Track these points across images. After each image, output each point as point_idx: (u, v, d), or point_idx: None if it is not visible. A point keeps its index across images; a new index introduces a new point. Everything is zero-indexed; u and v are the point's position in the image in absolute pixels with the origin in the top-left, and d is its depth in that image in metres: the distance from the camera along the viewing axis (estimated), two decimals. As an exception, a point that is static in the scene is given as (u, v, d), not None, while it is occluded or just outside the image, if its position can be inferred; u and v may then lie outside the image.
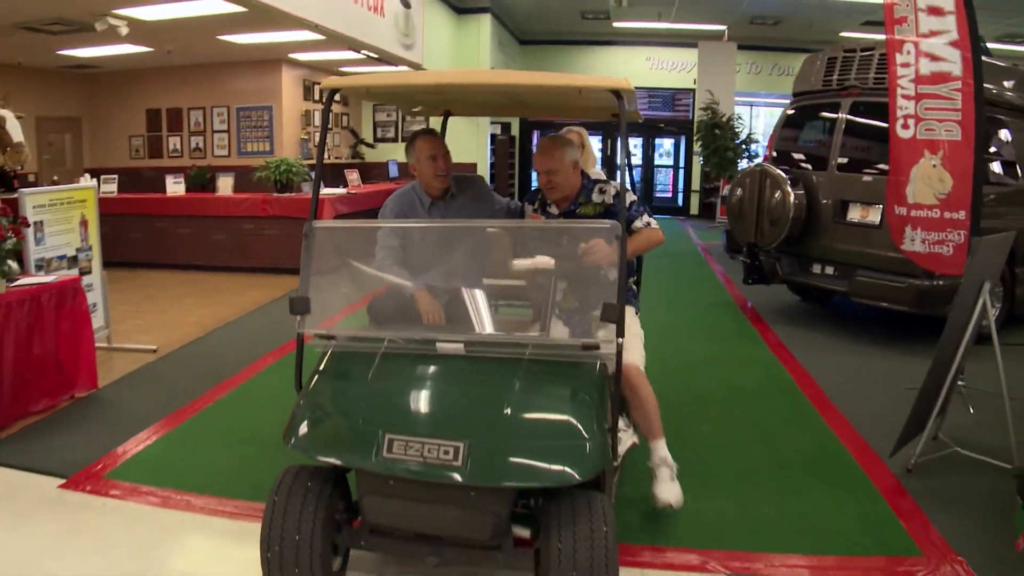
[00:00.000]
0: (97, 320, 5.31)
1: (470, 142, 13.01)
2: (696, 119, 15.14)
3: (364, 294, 3.04)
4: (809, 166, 6.68)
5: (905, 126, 4.37)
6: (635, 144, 17.77)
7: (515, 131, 17.14)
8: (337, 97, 2.80)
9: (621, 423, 2.79)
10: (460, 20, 13.28)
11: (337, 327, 2.74)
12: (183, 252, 9.26)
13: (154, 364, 5.30)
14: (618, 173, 2.82)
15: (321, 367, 2.61)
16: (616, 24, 15.01)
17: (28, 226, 4.59)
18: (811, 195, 6.41)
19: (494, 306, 3.09)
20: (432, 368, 2.54)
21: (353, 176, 10.94)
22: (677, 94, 17.08)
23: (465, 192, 3.34)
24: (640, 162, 17.93)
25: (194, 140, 11.71)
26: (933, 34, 4.23)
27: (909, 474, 3.56)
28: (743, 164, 13.61)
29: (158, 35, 8.54)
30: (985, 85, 5.13)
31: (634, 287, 3.43)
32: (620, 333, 2.40)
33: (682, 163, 17.89)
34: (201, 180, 10.31)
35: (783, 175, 6.45)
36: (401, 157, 13.10)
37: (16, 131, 4.87)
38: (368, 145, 13.65)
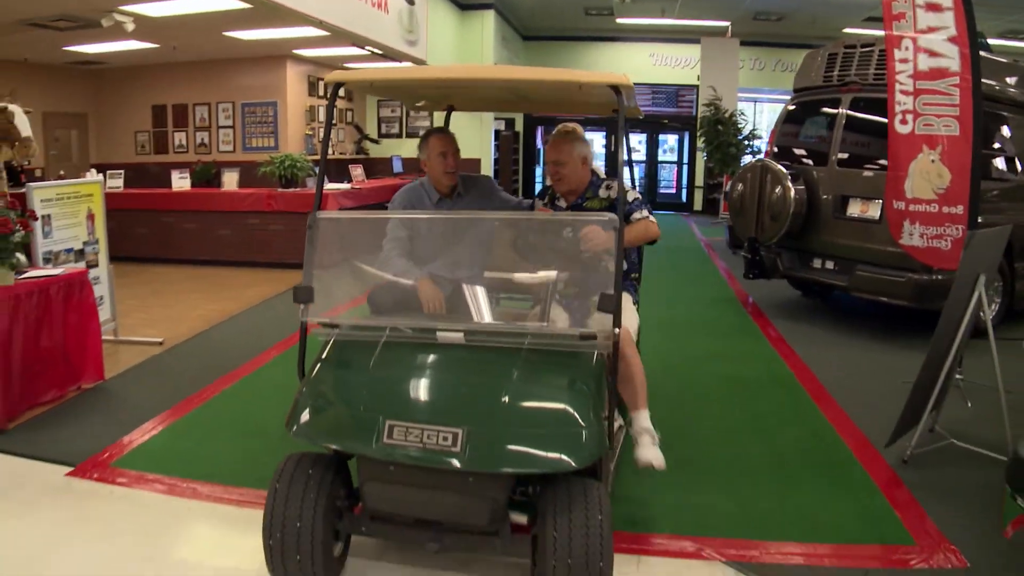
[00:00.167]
0: (104, 313, 5.37)
1: (474, 138, 13.04)
2: (699, 115, 15.15)
3: (367, 285, 3.09)
4: (810, 161, 6.70)
5: (904, 121, 4.40)
6: (639, 140, 17.79)
7: (519, 127, 17.17)
8: (341, 93, 2.85)
9: None
10: (464, 16, 13.31)
11: (339, 316, 2.79)
12: (188, 247, 9.33)
13: (160, 356, 5.36)
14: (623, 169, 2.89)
15: (324, 356, 2.66)
16: (619, 20, 15.02)
17: (36, 219, 4.65)
18: (811, 190, 6.43)
19: (495, 299, 3.14)
20: (432, 357, 2.59)
21: (357, 172, 10.99)
22: (681, 90, 17.09)
23: (472, 191, 3.45)
24: (644, 158, 17.94)
25: (199, 136, 11.78)
26: (931, 30, 4.25)
27: (905, 465, 3.59)
28: (746, 160, 13.62)
29: (164, 31, 8.60)
30: (987, 81, 5.15)
31: (635, 281, 3.50)
32: (617, 323, 2.45)
33: (686, 159, 17.89)
34: (206, 175, 10.37)
35: (784, 170, 6.47)
36: (405, 153, 13.20)
37: (24, 126, 4.92)
38: (373, 141, 13.69)
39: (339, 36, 8.66)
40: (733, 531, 3.00)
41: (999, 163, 6.09)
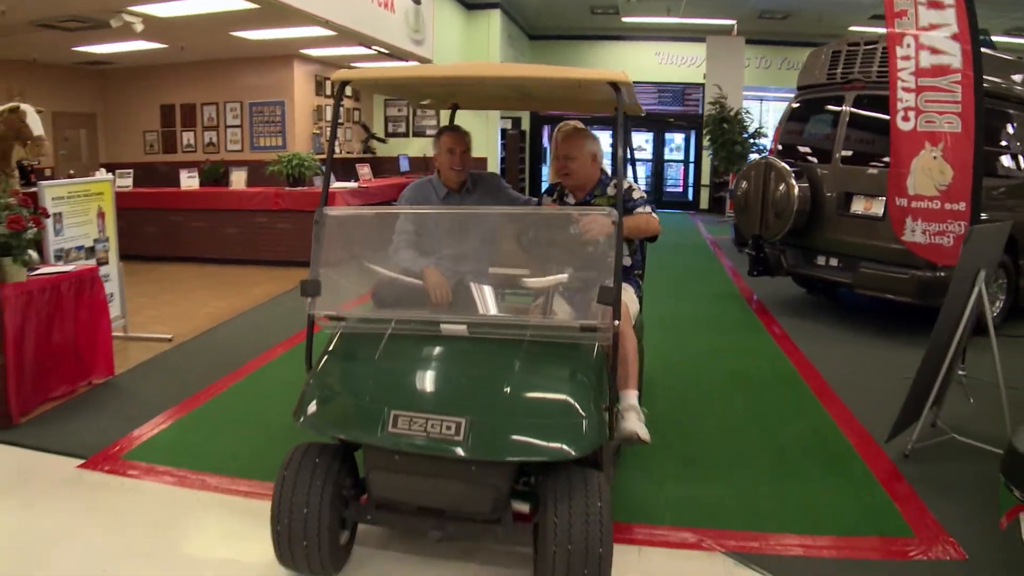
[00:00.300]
0: (114, 309, 5.44)
1: (480, 136, 13.07)
2: (705, 114, 15.16)
3: (372, 279, 3.14)
4: (814, 159, 6.72)
5: (906, 118, 4.42)
6: (646, 139, 17.80)
7: (525, 126, 17.20)
8: (348, 92, 2.91)
9: None
10: (470, 16, 13.36)
11: (346, 310, 2.84)
12: (197, 245, 9.40)
13: (169, 353, 5.42)
14: (624, 166, 2.94)
15: (330, 348, 2.71)
16: (625, 19, 15.05)
17: (48, 216, 4.71)
18: (815, 187, 6.45)
19: (500, 293, 3.20)
20: (437, 349, 2.64)
21: (364, 170, 11.04)
22: (687, 89, 17.10)
23: (479, 187, 3.52)
24: (651, 157, 17.94)
25: (207, 135, 11.85)
26: (933, 27, 4.27)
27: (906, 460, 3.62)
28: (752, 158, 13.62)
29: (172, 31, 8.66)
30: (992, 79, 5.16)
31: (638, 277, 3.55)
32: (616, 316, 2.49)
33: (692, 158, 17.89)
34: (214, 174, 10.43)
35: (787, 168, 6.49)
36: (412, 152, 13.27)
37: (36, 125, 4.98)
38: (379, 140, 13.75)
39: (346, 36, 8.71)
40: (734, 523, 3.03)
41: (1005, 160, 6.10)
